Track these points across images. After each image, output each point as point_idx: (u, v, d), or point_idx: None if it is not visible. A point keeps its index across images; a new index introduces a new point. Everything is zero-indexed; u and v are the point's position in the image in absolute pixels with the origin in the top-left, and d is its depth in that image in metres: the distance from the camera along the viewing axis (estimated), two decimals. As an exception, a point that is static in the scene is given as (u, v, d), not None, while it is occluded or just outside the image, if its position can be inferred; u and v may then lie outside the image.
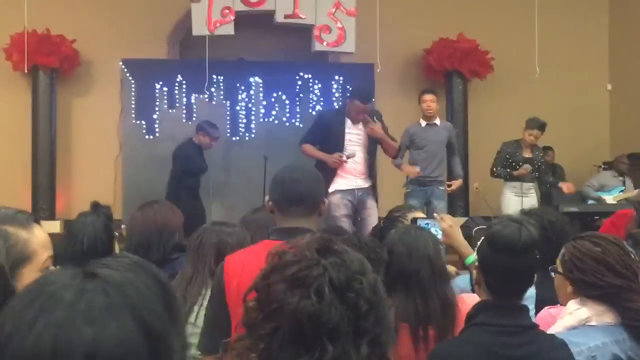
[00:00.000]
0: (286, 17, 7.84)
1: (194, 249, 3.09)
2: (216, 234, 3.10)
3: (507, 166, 8.02)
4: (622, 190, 8.82)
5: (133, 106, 9.48)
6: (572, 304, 2.36)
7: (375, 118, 6.69)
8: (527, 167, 7.80)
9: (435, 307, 2.55)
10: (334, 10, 7.98)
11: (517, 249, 2.14)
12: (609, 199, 8.66)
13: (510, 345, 2.12)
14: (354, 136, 6.54)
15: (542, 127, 7.88)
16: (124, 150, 9.52)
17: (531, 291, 2.99)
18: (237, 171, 9.57)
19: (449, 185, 7.50)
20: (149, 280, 1.01)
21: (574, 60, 10.70)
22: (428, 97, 7.55)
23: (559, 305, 2.79)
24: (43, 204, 9.07)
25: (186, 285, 2.97)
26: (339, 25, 8.04)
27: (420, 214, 3.54)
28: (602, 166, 9.91)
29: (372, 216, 6.60)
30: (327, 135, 6.56)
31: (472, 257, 3.29)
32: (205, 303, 2.83)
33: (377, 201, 6.78)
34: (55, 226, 8.08)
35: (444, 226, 3.24)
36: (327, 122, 6.66)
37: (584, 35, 10.84)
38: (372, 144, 6.70)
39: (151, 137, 9.42)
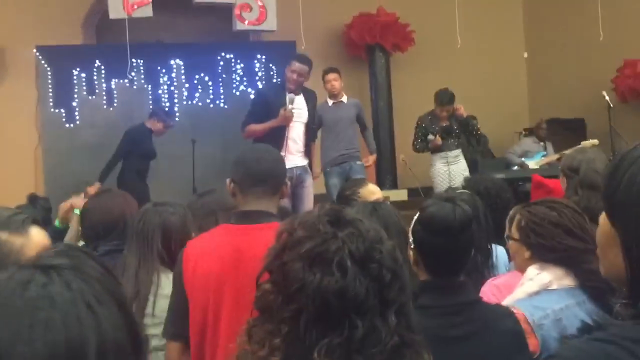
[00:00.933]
0: (205, -4, 7.73)
1: (138, 232, 2.94)
2: (159, 215, 2.97)
3: (425, 139, 8.05)
4: (544, 155, 9.04)
5: (50, 94, 9.20)
6: (532, 270, 2.37)
7: (303, 96, 6.64)
8: (431, 138, 7.79)
9: None
10: (253, -12, 7.93)
11: (454, 230, 2.10)
12: (532, 164, 8.87)
13: (452, 325, 2.08)
14: (295, 110, 6.48)
15: (449, 100, 7.83)
16: (43, 140, 9.25)
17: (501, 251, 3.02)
18: (163, 156, 9.28)
19: (367, 161, 7.54)
20: (93, 262, 1.01)
21: (492, 30, 10.89)
22: (331, 76, 7.50)
23: (500, 275, 2.84)
24: (-39, 200, 8.76)
25: (135, 273, 2.83)
26: (259, 3, 7.97)
27: (371, 187, 3.49)
28: (523, 132, 10.16)
29: (310, 194, 6.62)
30: (268, 113, 6.44)
31: None
32: (159, 291, 2.80)
33: (313, 179, 6.79)
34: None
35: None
36: (266, 99, 6.55)
37: (501, 4, 11.04)
38: (312, 120, 6.68)
39: (71, 125, 9.17)
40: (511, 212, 2.53)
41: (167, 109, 8.72)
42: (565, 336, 2.13)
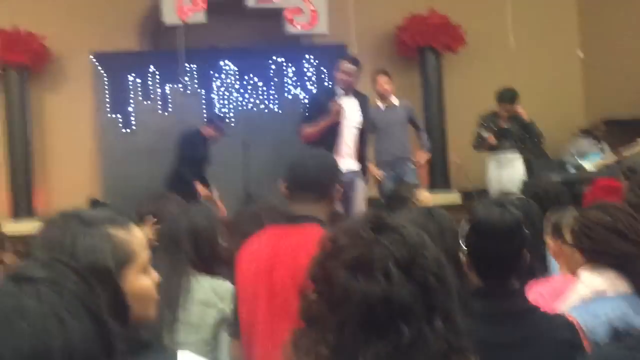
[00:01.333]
0: (258, 1, 7.80)
1: (166, 237, 2.96)
2: (187, 218, 2.98)
3: (482, 137, 7.99)
4: (600, 157, 8.87)
5: (107, 100, 9.37)
6: (586, 275, 2.35)
7: (357, 100, 6.65)
8: (485, 135, 7.73)
9: None
10: (304, -8, 7.99)
11: (502, 233, 2.10)
12: (589, 165, 8.72)
13: (502, 332, 2.06)
14: (349, 115, 6.53)
15: (511, 98, 7.76)
16: (100, 145, 9.42)
17: None
18: (216, 160, 9.45)
19: (418, 157, 7.50)
20: (73, 273, 1.05)
21: (545, 29, 10.72)
22: (382, 79, 7.52)
23: (546, 279, 2.79)
24: (21, 204, 8.98)
25: (165, 279, 2.82)
26: (310, 7, 8.04)
27: (425, 193, 3.48)
28: (579, 133, 9.98)
29: (361, 198, 6.63)
30: (322, 116, 6.48)
31: None
32: (191, 296, 2.81)
33: (366, 183, 6.80)
34: (34, 226, 7.96)
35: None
36: (319, 102, 6.59)
37: (554, 2, 10.87)
38: (365, 125, 6.67)
39: (128, 130, 9.32)
40: (553, 217, 2.50)
41: (220, 114, 8.70)
42: (597, 343, 2.09)
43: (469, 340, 1.36)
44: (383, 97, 7.48)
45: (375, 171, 7.23)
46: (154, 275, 1.63)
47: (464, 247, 2.22)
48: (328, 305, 1.30)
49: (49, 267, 1.04)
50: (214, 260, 2.94)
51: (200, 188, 7.64)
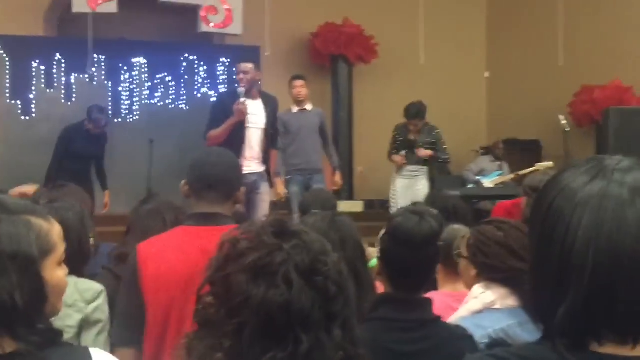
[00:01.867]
0: (172, -4, 7.70)
1: None
2: (55, 212, 2.72)
3: (393, 148, 8.06)
4: (499, 175, 9.15)
5: (8, 85, 9.05)
6: (477, 288, 2.41)
7: (262, 101, 6.61)
8: (399, 156, 7.83)
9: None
10: (221, -10, 7.92)
11: (418, 242, 2.13)
12: (487, 182, 8.97)
13: (406, 341, 2.09)
14: (252, 117, 6.45)
15: (418, 114, 7.85)
16: (-3, 131, 9.09)
17: None
18: (120, 155, 9.24)
19: (335, 182, 7.54)
20: None
21: (455, 48, 11.02)
22: (298, 82, 7.49)
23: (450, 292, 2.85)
24: None
25: None
26: (225, 6, 7.97)
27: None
28: (480, 151, 10.28)
29: (264, 202, 6.57)
30: (227, 118, 6.39)
31: (373, 261, 3.33)
32: None
33: (271, 186, 6.73)
34: None
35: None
36: (224, 105, 6.48)
37: (465, 23, 11.19)
38: (270, 126, 6.64)
39: (27, 117, 9.04)
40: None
41: (101, 107, 8.08)
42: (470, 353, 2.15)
43: (364, 349, 1.36)
44: (297, 101, 7.46)
45: (280, 187, 7.21)
46: (66, 269, 1.60)
47: (378, 253, 2.24)
48: (225, 310, 1.28)
49: None
50: (82, 258, 2.75)
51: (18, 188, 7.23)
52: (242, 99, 6.32)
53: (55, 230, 1.57)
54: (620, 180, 1.07)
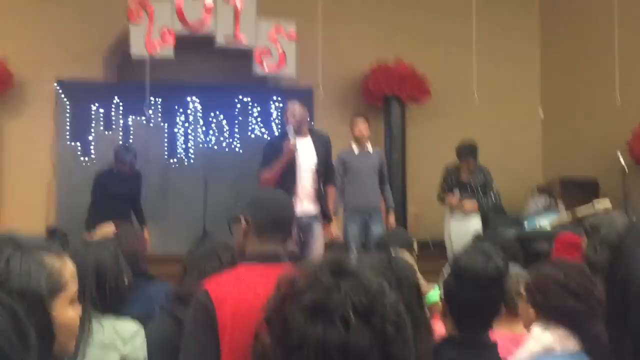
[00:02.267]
0: (227, 40, 7.83)
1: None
2: (92, 253, 2.77)
3: (444, 189, 8.04)
4: (555, 215, 8.99)
5: (68, 128, 9.31)
6: (536, 329, 2.37)
7: (314, 140, 6.65)
8: (454, 198, 7.78)
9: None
10: (275, 34, 8.01)
11: (484, 282, 2.12)
12: (544, 222, 8.83)
13: None
14: (302, 156, 6.48)
15: (471, 153, 7.85)
16: (57, 172, 9.33)
17: None
18: (175, 196, 9.50)
19: (389, 223, 7.52)
20: (4, 318, 1.03)
21: (509, 86, 10.95)
22: (360, 120, 7.55)
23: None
24: (-28, 229, 8.79)
25: None
26: (279, 49, 8.07)
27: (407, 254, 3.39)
28: (536, 190, 10.12)
29: (317, 242, 6.53)
30: (277, 157, 6.43)
31: (433, 297, 3.28)
32: (91, 339, 2.62)
33: (328, 221, 6.66)
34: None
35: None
36: (275, 147, 6.55)
37: (518, 62, 11.11)
38: (321, 163, 6.61)
39: (86, 159, 9.27)
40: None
41: (127, 148, 8.13)
42: None
43: None
44: (359, 142, 7.51)
45: (335, 229, 7.05)
46: (79, 309, 1.60)
47: (442, 294, 2.23)
48: (282, 350, 1.27)
49: None
50: (118, 297, 2.76)
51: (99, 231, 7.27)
52: (291, 137, 6.37)
53: (67, 269, 1.56)
54: None
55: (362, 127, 7.50)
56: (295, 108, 6.56)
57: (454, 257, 2.26)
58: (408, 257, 3.22)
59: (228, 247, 3.19)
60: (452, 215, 7.87)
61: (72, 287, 1.57)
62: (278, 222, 2.44)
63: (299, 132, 6.48)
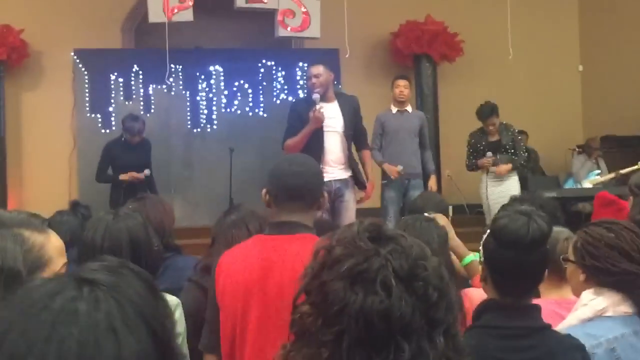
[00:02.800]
0: (248, 1, 7.76)
1: (98, 249, 2.63)
2: (125, 226, 2.72)
3: (475, 156, 7.97)
4: (597, 174, 8.90)
5: (87, 99, 9.34)
6: (587, 294, 2.33)
7: (341, 104, 6.56)
8: (487, 158, 7.72)
9: None
10: (297, -7, 7.91)
11: (525, 244, 2.08)
12: (586, 183, 8.73)
13: (515, 349, 2.06)
14: (330, 120, 6.40)
15: (493, 112, 7.78)
16: (78, 145, 9.38)
17: None
18: (199, 165, 9.53)
19: (430, 188, 7.40)
20: (140, 283, 1.00)
21: (546, 42, 10.80)
22: (401, 82, 7.53)
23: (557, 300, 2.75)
24: (-6, 203, 8.86)
25: None
26: (303, 9, 7.97)
27: (444, 218, 3.36)
28: (576, 150, 10.02)
29: (349, 209, 6.47)
30: (303, 125, 6.38)
31: (469, 258, 3.26)
32: None
33: (363, 185, 6.63)
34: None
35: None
36: (300, 111, 6.48)
37: (555, 15, 10.96)
38: (349, 127, 6.55)
39: (107, 131, 9.26)
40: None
41: (134, 115, 8.02)
42: None
43: (469, 357, 1.34)
44: (398, 102, 7.50)
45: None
46: None
47: (482, 257, 2.21)
48: (323, 319, 1.27)
49: (114, 272, 0.99)
50: (153, 269, 2.73)
51: (123, 176, 7.37)
52: (317, 105, 6.29)
53: (50, 244, 1.55)
54: None
55: (402, 88, 7.49)
56: (320, 71, 6.47)
57: (492, 219, 2.21)
58: (444, 222, 3.18)
59: (256, 215, 3.20)
60: (488, 178, 7.82)
61: (58, 262, 1.56)
62: (295, 190, 2.43)
63: (324, 97, 6.42)
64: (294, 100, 8.87)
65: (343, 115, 6.50)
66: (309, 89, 6.55)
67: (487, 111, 7.76)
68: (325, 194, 2.56)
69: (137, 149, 7.58)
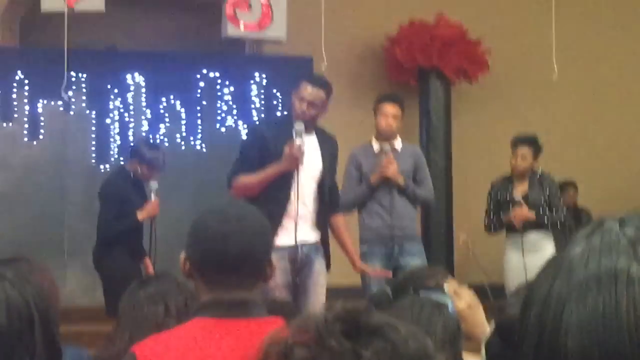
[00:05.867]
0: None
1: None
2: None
3: (497, 212, 8.11)
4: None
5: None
6: None
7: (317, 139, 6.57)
8: (518, 210, 7.88)
9: None
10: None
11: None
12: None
13: None
14: (307, 160, 6.37)
15: (532, 142, 7.98)
16: None
17: None
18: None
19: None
20: None
21: (607, 56, 10.87)
22: (389, 107, 7.42)
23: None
24: None
25: None
26: (262, 1, 8.02)
27: (466, 289, 3.37)
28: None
29: (318, 285, 6.49)
30: (268, 160, 6.36)
31: None
32: None
33: (329, 262, 6.62)
34: None
35: (459, 306, 3.08)
36: (264, 139, 6.48)
37: (622, 18, 11.05)
38: (327, 176, 6.57)
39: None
40: None
41: (151, 139, 8.52)
42: None
43: None
44: (384, 137, 7.44)
45: (365, 267, 7.01)
46: None
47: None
48: None
49: None
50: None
51: (143, 214, 7.59)
52: (298, 140, 6.29)
53: None
54: None
55: (390, 117, 7.41)
56: (321, 98, 6.46)
57: (498, 307, 2.33)
58: (465, 299, 3.21)
59: (184, 289, 3.23)
60: (514, 246, 7.94)
61: None
62: (225, 260, 2.44)
63: (308, 129, 6.45)
64: (256, 122, 9.05)
65: (323, 157, 6.58)
66: (294, 111, 6.51)
67: (522, 138, 7.96)
68: (273, 261, 2.57)
69: (143, 188, 7.78)
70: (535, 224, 7.94)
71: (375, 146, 7.47)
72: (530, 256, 7.76)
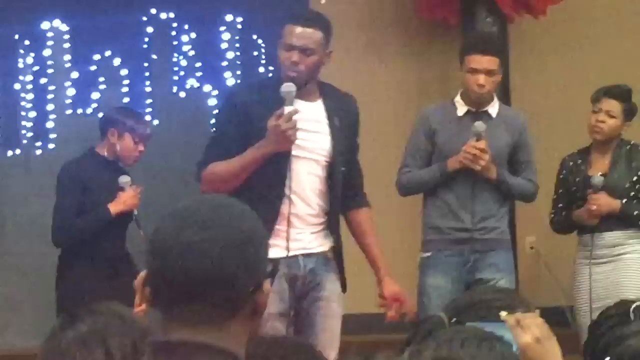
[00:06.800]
0: None
1: None
2: None
3: (570, 202, 8.04)
4: None
5: None
6: None
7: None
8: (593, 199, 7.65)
9: None
10: None
11: None
12: None
13: None
14: (306, 137, 6.32)
15: (623, 96, 7.76)
16: None
17: None
18: (19, 222, 9.83)
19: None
20: None
21: None
22: (482, 60, 7.30)
23: None
24: None
25: None
26: None
27: (539, 319, 3.22)
28: None
29: (330, 316, 6.39)
30: (252, 136, 6.29)
31: None
32: None
33: (344, 280, 6.50)
34: None
35: (522, 340, 3.02)
36: (246, 108, 6.38)
37: None
38: (343, 154, 6.49)
39: None
40: None
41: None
42: None
43: None
44: (472, 97, 7.34)
45: (391, 285, 6.76)
46: None
47: None
48: None
49: None
50: None
51: (115, 206, 7.66)
52: (288, 108, 6.11)
53: None
54: None
55: (484, 70, 7.29)
56: (316, 41, 6.34)
57: (615, 340, 2.65)
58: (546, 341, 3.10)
59: (132, 325, 3.23)
60: (582, 252, 7.90)
61: None
62: (183, 283, 2.40)
63: (301, 93, 6.29)
64: (234, 87, 9.42)
65: (332, 131, 6.40)
66: (281, 71, 6.47)
67: (610, 90, 7.80)
68: (267, 286, 2.50)
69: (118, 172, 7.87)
70: (616, 218, 7.81)
71: (461, 109, 7.47)
72: (613, 265, 7.83)
